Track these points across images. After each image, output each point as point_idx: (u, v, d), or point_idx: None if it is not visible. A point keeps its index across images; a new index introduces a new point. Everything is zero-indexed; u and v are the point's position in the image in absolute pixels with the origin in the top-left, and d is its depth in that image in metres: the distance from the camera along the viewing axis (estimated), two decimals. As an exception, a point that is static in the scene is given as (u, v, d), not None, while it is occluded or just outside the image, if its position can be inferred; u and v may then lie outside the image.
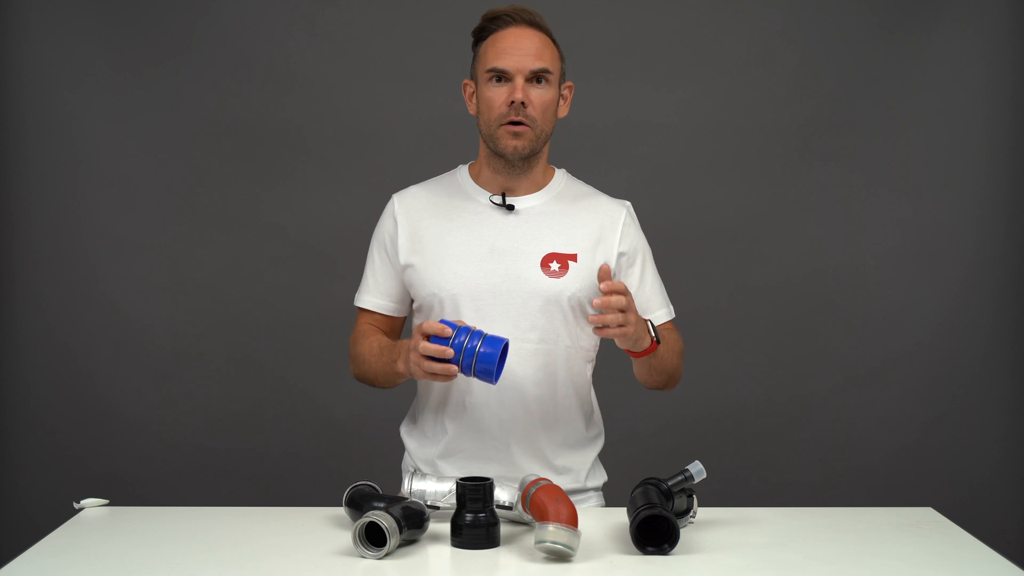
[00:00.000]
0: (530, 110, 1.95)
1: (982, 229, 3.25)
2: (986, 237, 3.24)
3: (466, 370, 1.78)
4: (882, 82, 3.21)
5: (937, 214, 3.26)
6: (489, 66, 1.96)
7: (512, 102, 1.94)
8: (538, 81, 1.96)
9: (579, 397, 2.07)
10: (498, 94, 1.96)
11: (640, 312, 2.04)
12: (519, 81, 1.94)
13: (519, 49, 1.95)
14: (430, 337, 1.78)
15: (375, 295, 2.08)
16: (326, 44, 3.23)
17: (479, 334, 1.78)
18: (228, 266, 3.26)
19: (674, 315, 2.13)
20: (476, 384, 1.98)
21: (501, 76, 1.96)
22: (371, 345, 2.03)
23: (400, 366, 1.91)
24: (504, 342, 1.79)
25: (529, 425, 2.00)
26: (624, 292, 1.80)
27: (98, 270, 3.23)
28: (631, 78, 3.25)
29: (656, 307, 2.09)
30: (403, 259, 2.04)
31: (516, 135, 1.96)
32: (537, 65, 1.95)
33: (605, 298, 1.78)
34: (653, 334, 1.91)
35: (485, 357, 1.76)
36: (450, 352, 1.77)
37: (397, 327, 2.12)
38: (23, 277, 3.21)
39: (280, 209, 3.25)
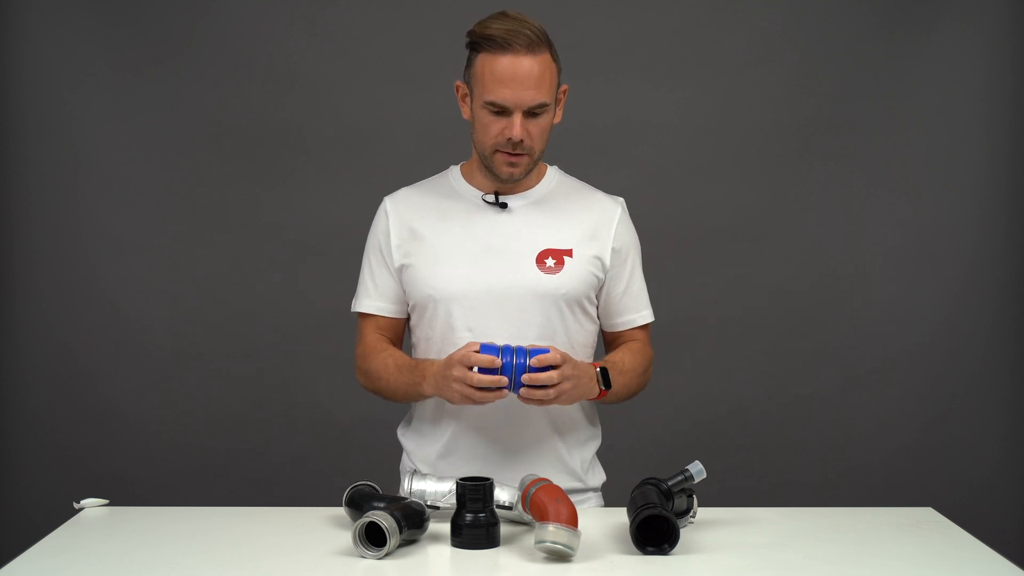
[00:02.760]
0: (527, 142, 1.93)
1: (982, 229, 3.24)
2: (986, 237, 3.24)
3: (516, 388, 1.82)
4: (882, 82, 3.21)
5: (937, 214, 3.26)
6: (487, 98, 1.90)
7: (510, 137, 1.91)
8: (535, 114, 1.92)
9: None
10: (495, 123, 1.92)
11: (624, 312, 2.08)
12: (517, 119, 1.90)
13: (517, 82, 1.88)
14: (477, 367, 1.81)
15: (375, 298, 2.07)
16: (326, 44, 3.23)
17: (523, 350, 1.83)
18: (228, 266, 3.26)
19: (653, 319, 2.12)
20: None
21: (499, 110, 1.92)
22: (385, 362, 2.02)
23: (427, 389, 1.93)
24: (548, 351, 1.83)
25: (528, 424, 2.00)
26: (558, 363, 1.83)
27: (98, 270, 3.23)
28: (631, 78, 3.25)
29: (641, 307, 2.09)
30: (398, 260, 2.04)
31: (512, 164, 1.95)
32: (536, 101, 1.90)
33: (531, 376, 1.82)
34: (602, 383, 1.93)
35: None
36: (504, 380, 1.81)
37: (400, 329, 2.10)
38: (23, 277, 3.21)
39: (280, 209, 3.25)
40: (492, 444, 2.00)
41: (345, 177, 3.23)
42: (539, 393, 1.83)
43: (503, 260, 1.99)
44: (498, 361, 1.81)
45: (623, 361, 2.03)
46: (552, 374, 1.82)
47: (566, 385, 1.84)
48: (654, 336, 2.16)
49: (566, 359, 1.84)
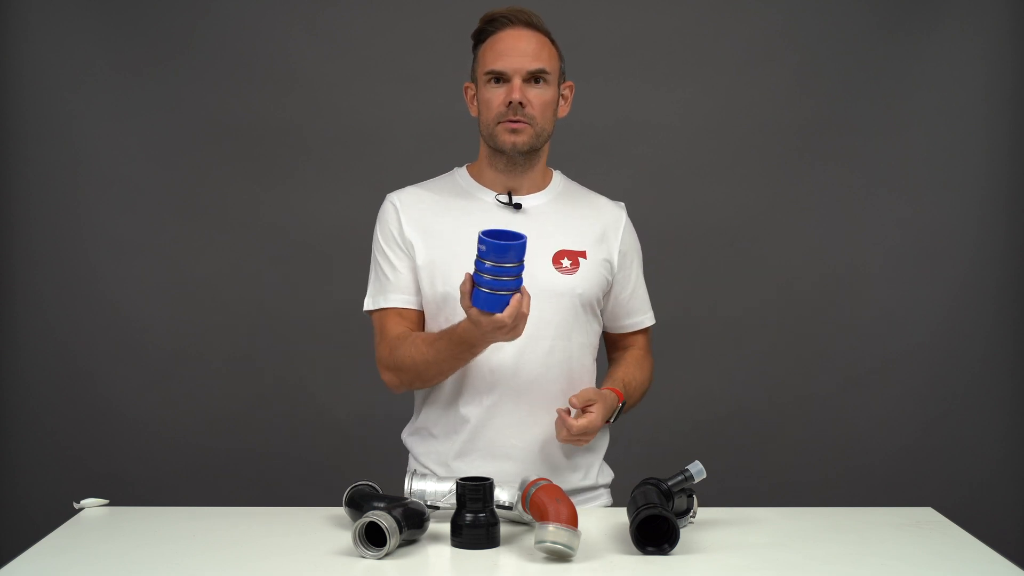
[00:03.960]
0: (528, 109, 1.96)
1: (982, 229, 3.24)
2: (986, 237, 3.24)
3: (506, 274, 1.73)
4: (882, 82, 3.21)
5: (937, 214, 3.25)
6: (487, 68, 1.98)
7: (510, 102, 1.95)
8: (536, 81, 1.97)
9: None
10: (496, 94, 1.98)
11: (630, 315, 2.12)
12: (516, 82, 1.96)
13: (516, 50, 1.97)
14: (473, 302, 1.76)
15: (402, 291, 2.02)
16: (326, 44, 3.23)
17: (479, 263, 1.74)
18: (228, 266, 3.25)
19: (654, 321, 2.17)
20: (494, 384, 1.98)
21: (499, 77, 1.97)
22: (415, 343, 1.95)
23: (480, 348, 1.89)
24: (485, 232, 1.73)
25: (546, 422, 1.99)
26: (587, 422, 1.91)
27: (98, 270, 3.23)
28: (631, 78, 3.25)
29: (646, 309, 2.15)
30: (419, 255, 2.01)
31: (514, 131, 1.97)
32: (534, 65, 1.97)
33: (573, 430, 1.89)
34: (614, 417, 2.00)
35: (500, 254, 1.71)
36: (515, 295, 1.74)
37: (423, 323, 2.05)
38: (23, 277, 3.21)
39: (280, 209, 3.25)
40: (510, 443, 1.99)
41: (345, 177, 3.23)
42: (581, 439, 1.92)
43: None
44: (469, 283, 1.75)
45: (635, 380, 2.09)
46: (592, 420, 1.91)
47: (597, 423, 1.92)
48: (655, 337, 2.17)
49: (599, 398, 1.93)
